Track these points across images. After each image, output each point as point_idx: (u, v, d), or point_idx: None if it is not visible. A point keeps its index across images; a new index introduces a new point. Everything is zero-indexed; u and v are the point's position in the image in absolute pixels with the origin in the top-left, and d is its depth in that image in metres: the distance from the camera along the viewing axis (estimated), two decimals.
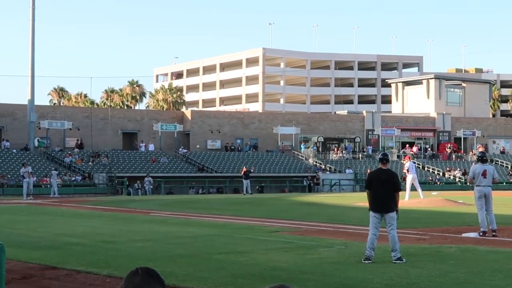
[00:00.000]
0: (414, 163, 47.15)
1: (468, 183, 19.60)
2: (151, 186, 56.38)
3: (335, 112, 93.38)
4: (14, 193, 49.09)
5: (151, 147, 66.50)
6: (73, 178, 56.04)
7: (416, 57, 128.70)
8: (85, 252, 15.68)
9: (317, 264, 13.42)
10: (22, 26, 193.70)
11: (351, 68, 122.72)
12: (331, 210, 32.53)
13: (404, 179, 38.26)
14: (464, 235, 18.98)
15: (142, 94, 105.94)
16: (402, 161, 63.61)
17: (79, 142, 63.90)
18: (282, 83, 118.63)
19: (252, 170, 58.21)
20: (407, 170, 37.47)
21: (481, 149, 79.26)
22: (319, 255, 14.79)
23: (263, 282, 11.68)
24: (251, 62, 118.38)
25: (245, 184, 54.19)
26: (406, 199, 34.66)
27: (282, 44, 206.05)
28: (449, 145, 78.91)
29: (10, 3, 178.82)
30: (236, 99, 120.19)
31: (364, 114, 79.34)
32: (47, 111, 66.97)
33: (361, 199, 32.74)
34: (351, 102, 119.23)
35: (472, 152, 78.29)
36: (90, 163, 60.04)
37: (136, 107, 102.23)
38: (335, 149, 73.69)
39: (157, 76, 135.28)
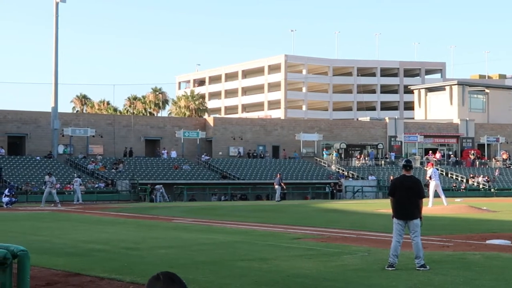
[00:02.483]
0: (437, 169, 46.86)
1: None
2: (162, 197, 55.25)
3: (357, 119, 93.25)
4: (37, 200, 49.36)
5: (174, 154, 66.65)
6: (96, 185, 56.33)
7: (439, 63, 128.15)
8: (108, 258, 15.73)
9: (340, 271, 13.37)
10: (46, 34, 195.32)
11: (373, 74, 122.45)
12: (354, 217, 32.40)
13: (427, 186, 38.04)
14: (488, 242, 18.83)
15: (165, 101, 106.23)
16: (425, 168, 63.26)
17: (128, 150, 64.46)
18: (304, 89, 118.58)
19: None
20: (430, 176, 37.32)
21: (505, 156, 78.74)
22: (342, 262, 14.73)
23: None
24: (273, 69, 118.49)
25: (279, 191, 53.67)
26: (430, 206, 34.51)
27: (304, 51, 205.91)
28: (472, 151, 78.35)
29: (34, 11, 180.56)
30: (258, 106, 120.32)
31: (387, 120, 79.03)
32: (70, 118, 67.37)
33: (384, 206, 32.58)
34: (373, 108, 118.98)
35: (495, 159, 77.74)
36: (113, 170, 60.33)
37: (159, 114, 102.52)
38: (358, 156, 73.47)
39: (179, 83, 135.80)
